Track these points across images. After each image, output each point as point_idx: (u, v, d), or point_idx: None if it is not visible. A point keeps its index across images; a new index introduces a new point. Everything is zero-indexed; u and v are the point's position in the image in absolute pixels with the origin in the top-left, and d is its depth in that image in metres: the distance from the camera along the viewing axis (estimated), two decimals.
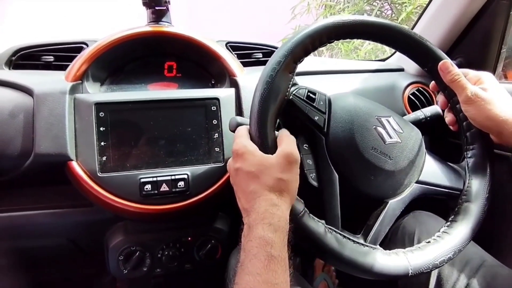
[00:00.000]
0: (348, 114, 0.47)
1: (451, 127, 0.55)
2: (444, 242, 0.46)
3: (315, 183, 0.45)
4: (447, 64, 0.49)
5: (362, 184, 0.47)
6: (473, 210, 0.49)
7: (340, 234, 0.43)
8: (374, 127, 0.48)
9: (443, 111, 0.59)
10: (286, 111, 0.45)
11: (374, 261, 0.42)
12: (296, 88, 0.48)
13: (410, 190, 0.49)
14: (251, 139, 0.43)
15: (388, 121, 0.49)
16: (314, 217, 0.43)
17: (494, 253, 0.58)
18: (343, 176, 0.46)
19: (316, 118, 0.47)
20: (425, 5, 0.85)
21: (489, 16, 0.77)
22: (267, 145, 0.42)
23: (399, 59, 0.92)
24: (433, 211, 0.67)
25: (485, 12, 0.77)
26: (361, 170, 0.46)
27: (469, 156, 0.52)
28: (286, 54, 0.42)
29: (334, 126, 0.47)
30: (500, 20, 0.78)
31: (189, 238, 0.66)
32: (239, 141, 0.43)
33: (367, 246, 0.44)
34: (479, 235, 0.50)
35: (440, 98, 0.55)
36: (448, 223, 0.49)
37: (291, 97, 0.46)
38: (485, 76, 0.50)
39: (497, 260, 0.57)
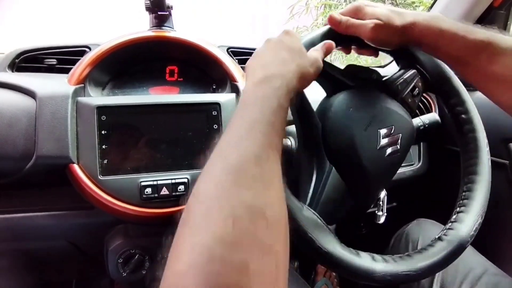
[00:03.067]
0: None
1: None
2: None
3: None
4: (334, 16, 0.47)
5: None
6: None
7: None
8: (385, 156, 0.47)
9: (441, 118, 0.60)
10: None
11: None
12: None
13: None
14: None
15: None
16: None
17: (496, 262, 0.59)
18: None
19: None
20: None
21: (488, 25, 0.78)
22: None
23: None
24: (436, 219, 0.67)
25: (483, 22, 0.78)
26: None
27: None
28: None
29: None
30: (498, 29, 0.79)
31: None
32: (291, 30, 0.43)
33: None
34: (481, 244, 0.50)
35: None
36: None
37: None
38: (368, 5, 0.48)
39: (500, 269, 0.57)
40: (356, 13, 0.47)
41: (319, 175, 0.45)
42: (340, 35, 0.47)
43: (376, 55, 0.54)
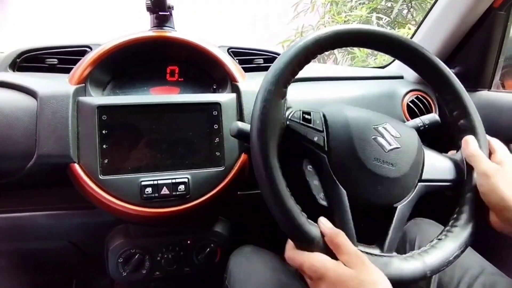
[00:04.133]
0: (345, 129, 0.48)
1: None
2: (455, 235, 0.47)
3: (324, 203, 0.45)
4: (470, 139, 0.50)
5: (370, 195, 0.47)
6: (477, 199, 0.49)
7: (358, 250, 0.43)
8: (373, 137, 0.48)
9: (441, 118, 0.60)
10: (285, 137, 0.45)
11: (393, 269, 0.42)
12: (291, 112, 0.49)
13: (415, 191, 0.49)
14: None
15: (385, 128, 0.50)
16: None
17: (493, 261, 0.59)
18: (350, 191, 0.46)
19: (315, 138, 0.47)
20: None
21: (487, 26, 0.78)
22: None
23: (398, 66, 0.93)
24: (434, 218, 0.67)
25: (483, 23, 0.79)
26: (367, 182, 0.46)
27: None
28: (275, 81, 0.43)
29: (334, 144, 0.47)
30: (498, 30, 0.79)
31: (189, 242, 0.66)
32: (308, 263, 0.39)
33: (384, 256, 0.44)
34: (479, 244, 0.50)
35: None
36: (455, 215, 0.49)
37: (287, 122, 0.47)
38: (509, 161, 0.49)
39: (497, 268, 0.57)
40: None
41: None
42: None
43: None
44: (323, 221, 0.42)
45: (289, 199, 0.41)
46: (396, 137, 0.50)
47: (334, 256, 0.40)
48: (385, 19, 2.56)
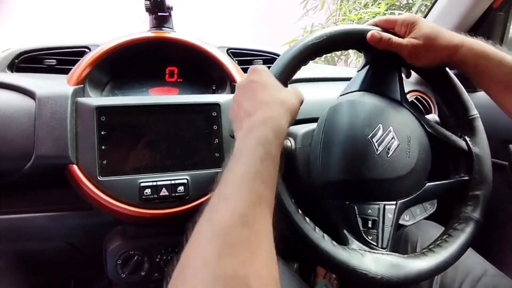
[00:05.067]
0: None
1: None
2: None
3: None
4: (375, 34, 0.48)
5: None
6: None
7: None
8: (372, 151, 0.46)
9: (441, 118, 0.60)
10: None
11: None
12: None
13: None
14: None
15: (378, 134, 0.48)
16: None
17: (496, 263, 0.58)
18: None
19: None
20: None
21: (487, 27, 0.78)
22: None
23: None
24: (435, 220, 0.67)
25: (482, 23, 0.79)
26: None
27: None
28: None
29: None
30: (497, 31, 0.79)
31: None
32: (258, 66, 0.43)
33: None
34: (481, 245, 0.50)
35: None
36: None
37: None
38: (411, 21, 0.48)
39: (499, 270, 0.57)
40: (406, 26, 0.48)
41: None
42: (313, 52, 0.47)
43: (409, 75, 0.55)
44: None
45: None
46: (395, 138, 0.49)
47: None
48: None
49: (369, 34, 0.48)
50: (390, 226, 0.46)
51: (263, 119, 0.36)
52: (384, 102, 0.50)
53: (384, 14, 2.32)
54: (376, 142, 0.47)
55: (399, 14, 2.36)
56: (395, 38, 0.48)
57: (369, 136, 0.47)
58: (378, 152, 0.46)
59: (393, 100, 0.51)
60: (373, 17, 2.38)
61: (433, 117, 0.63)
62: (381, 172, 0.46)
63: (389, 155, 0.46)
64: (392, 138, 0.47)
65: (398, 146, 0.47)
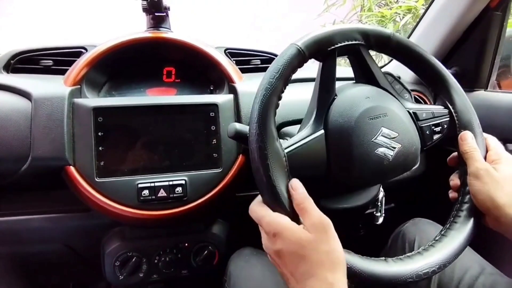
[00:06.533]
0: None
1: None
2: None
3: None
4: (467, 136, 0.50)
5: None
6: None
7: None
8: (375, 152, 0.46)
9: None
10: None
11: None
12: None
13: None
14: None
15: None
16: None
17: (493, 261, 0.59)
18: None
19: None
20: None
21: (484, 26, 0.79)
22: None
23: (395, 67, 0.93)
24: (433, 219, 0.68)
25: (479, 23, 0.79)
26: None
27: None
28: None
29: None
30: (494, 30, 0.80)
31: (186, 244, 0.66)
32: (268, 218, 0.39)
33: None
34: (479, 243, 0.50)
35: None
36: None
37: None
38: (505, 158, 0.49)
39: (496, 268, 0.57)
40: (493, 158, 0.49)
41: (311, 129, 0.46)
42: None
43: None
44: (294, 184, 0.40)
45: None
46: (394, 138, 0.49)
47: (298, 222, 0.39)
48: None
49: (464, 133, 0.50)
50: None
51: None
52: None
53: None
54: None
55: None
56: (478, 153, 0.48)
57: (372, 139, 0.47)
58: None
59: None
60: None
61: None
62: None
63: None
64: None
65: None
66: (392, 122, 0.48)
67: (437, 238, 0.48)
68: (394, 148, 0.48)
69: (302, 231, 0.38)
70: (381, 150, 0.47)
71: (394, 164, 0.48)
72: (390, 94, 0.52)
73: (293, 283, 0.38)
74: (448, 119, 0.53)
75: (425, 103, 0.83)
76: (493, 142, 0.52)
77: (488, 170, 0.47)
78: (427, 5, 0.88)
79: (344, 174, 0.46)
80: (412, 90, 0.83)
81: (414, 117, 0.51)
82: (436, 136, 0.53)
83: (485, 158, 0.50)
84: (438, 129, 0.53)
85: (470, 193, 0.48)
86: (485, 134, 0.52)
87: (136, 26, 0.68)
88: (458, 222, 0.48)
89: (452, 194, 0.52)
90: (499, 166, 0.47)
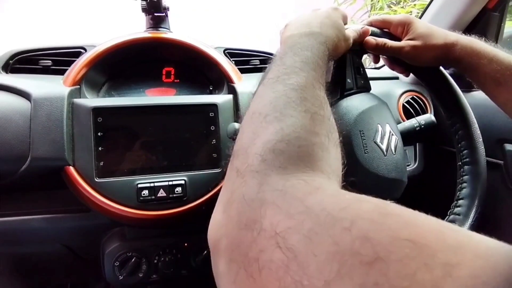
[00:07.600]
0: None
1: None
2: None
3: None
4: (370, 40, 0.49)
5: None
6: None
7: None
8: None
9: (437, 119, 0.60)
10: None
11: None
12: None
13: None
14: None
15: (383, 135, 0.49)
16: None
17: None
18: None
19: None
20: None
21: (481, 27, 0.79)
22: None
23: None
24: (432, 213, 0.68)
25: (477, 24, 0.79)
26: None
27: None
28: None
29: None
30: (491, 31, 0.80)
31: (186, 244, 0.66)
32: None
33: None
34: None
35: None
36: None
37: None
38: (407, 22, 0.50)
39: None
40: (403, 26, 0.50)
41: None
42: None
43: (408, 74, 0.57)
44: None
45: None
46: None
47: None
48: None
49: (365, 41, 0.49)
50: None
51: (324, 33, 0.38)
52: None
53: None
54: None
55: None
56: (390, 42, 0.50)
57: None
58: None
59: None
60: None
61: (429, 117, 0.63)
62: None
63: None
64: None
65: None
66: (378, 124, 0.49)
67: None
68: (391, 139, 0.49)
69: None
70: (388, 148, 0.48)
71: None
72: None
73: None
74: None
75: (424, 103, 0.83)
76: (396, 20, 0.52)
77: (409, 44, 0.49)
78: None
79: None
80: (411, 91, 0.84)
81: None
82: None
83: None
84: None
85: (417, 63, 0.50)
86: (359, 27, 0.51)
87: (136, 27, 0.68)
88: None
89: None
90: (410, 34, 0.49)
